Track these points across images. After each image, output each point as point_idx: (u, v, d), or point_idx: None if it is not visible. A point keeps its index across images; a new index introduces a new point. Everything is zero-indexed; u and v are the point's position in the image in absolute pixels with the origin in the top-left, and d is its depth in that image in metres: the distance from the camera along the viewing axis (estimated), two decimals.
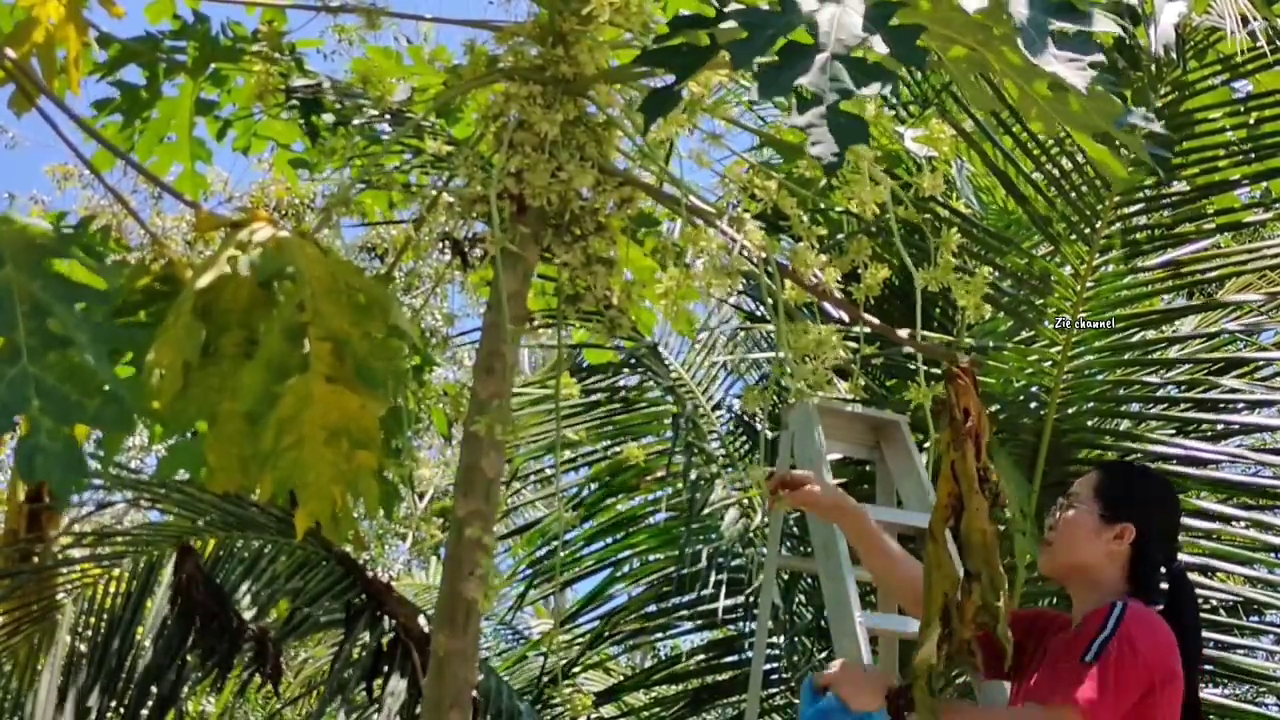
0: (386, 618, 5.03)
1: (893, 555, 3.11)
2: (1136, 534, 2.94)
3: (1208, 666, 5.08)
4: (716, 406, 6.06)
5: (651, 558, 6.02)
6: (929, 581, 2.67)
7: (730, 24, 2.09)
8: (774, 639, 5.44)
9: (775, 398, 4.39)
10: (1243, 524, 5.10)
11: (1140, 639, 2.78)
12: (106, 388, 1.83)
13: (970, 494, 2.61)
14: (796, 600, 5.77)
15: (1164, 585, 3.02)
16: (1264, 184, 5.08)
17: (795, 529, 5.27)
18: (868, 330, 2.71)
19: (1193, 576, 3.53)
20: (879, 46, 2.01)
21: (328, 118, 3.20)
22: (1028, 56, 2.02)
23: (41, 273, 1.92)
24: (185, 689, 4.99)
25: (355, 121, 3.18)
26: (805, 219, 2.68)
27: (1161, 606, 2.98)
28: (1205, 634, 4.53)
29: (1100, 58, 2.05)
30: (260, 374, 2.03)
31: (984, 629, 2.65)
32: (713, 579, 5.60)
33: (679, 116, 2.74)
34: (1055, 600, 4.65)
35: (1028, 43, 2.04)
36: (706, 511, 5.71)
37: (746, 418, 6.02)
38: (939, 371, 2.68)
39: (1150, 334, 5.36)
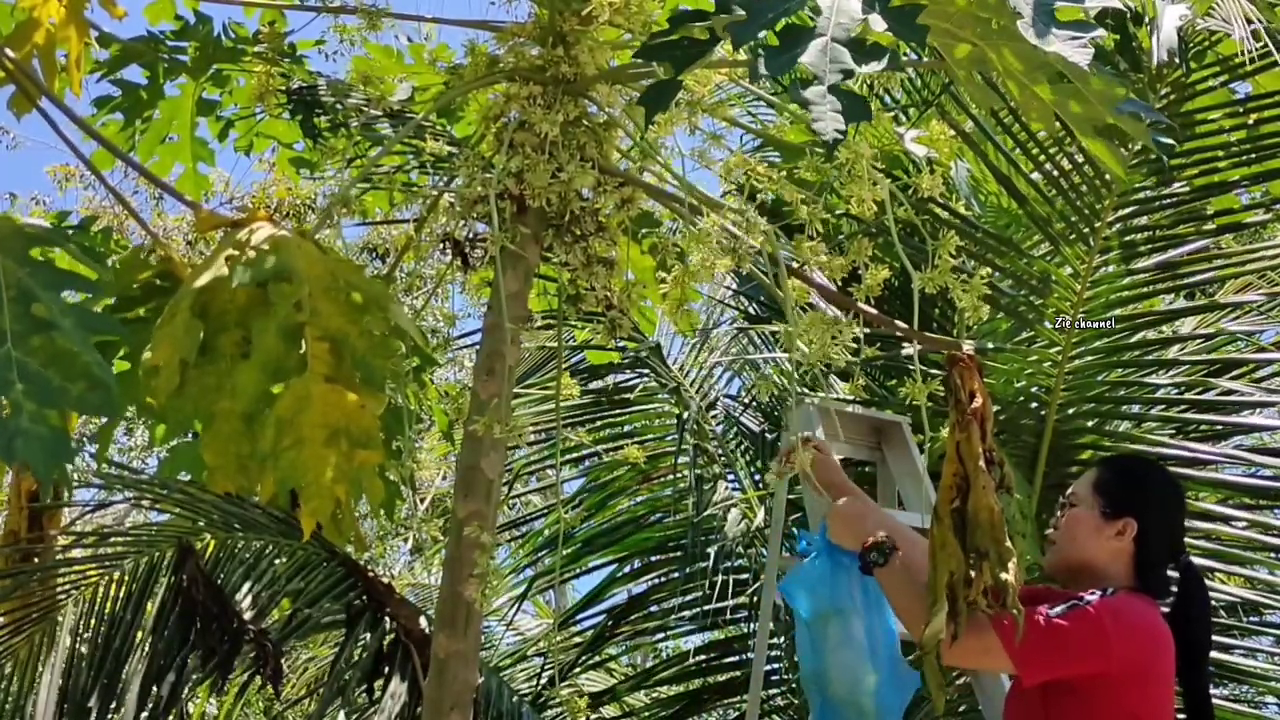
0: (387, 619, 5.03)
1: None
2: (1138, 529, 2.93)
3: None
4: (711, 406, 6.06)
5: (653, 558, 6.02)
6: (934, 561, 2.68)
7: (729, 14, 2.10)
8: (775, 639, 5.43)
9: (777, 395, 4.39)
10: (1242, 524, 5.10)
11: (1109, 619, 2.77)
12: (91, 373, 1.83)
13: (976, 473, 2.61)
14: None
15: (1173, 583, 3.02)
16: (1264, 185, 5.08)
17: (796, 530, 5.26)
18: (869, 330, 2.71)
19: None
20: (877, 25, 2.01)
21: (327, 119, 3.21)
22: (1027, 37, 2.02)
23: (28, 260, 1.93)
24: (186, 690, 4.99)
25: (355, 122, 3.19)
26: (807, 208, 2.67)
27: (1170, 603, 2.98)
28: None
29: (1101, 33, 2.05)
30: (256, 374, 2.03)
31: (991, 606, 2.65)
32: (717, 580, 5.60)
33: (679, 116, 2.74)
34: None
35: (1027, 23, 2.03)
36: (708, 512, 5.71)
37: (739, 416, 6.03)
38: (938, 372, 2.68)
39: (1150, 334, 5.37)
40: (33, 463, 1.76)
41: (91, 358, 1.84)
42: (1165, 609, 2.96)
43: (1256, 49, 4.56)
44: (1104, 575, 2.92)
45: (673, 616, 5.97)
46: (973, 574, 2.63)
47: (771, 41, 2.03)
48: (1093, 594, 2.83)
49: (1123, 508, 2.95)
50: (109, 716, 4.83)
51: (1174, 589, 3.03)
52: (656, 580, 6.03)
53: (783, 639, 5.43)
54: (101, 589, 5.04)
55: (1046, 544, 3.08)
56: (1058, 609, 2.79)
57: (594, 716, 6.26)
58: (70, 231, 2.04)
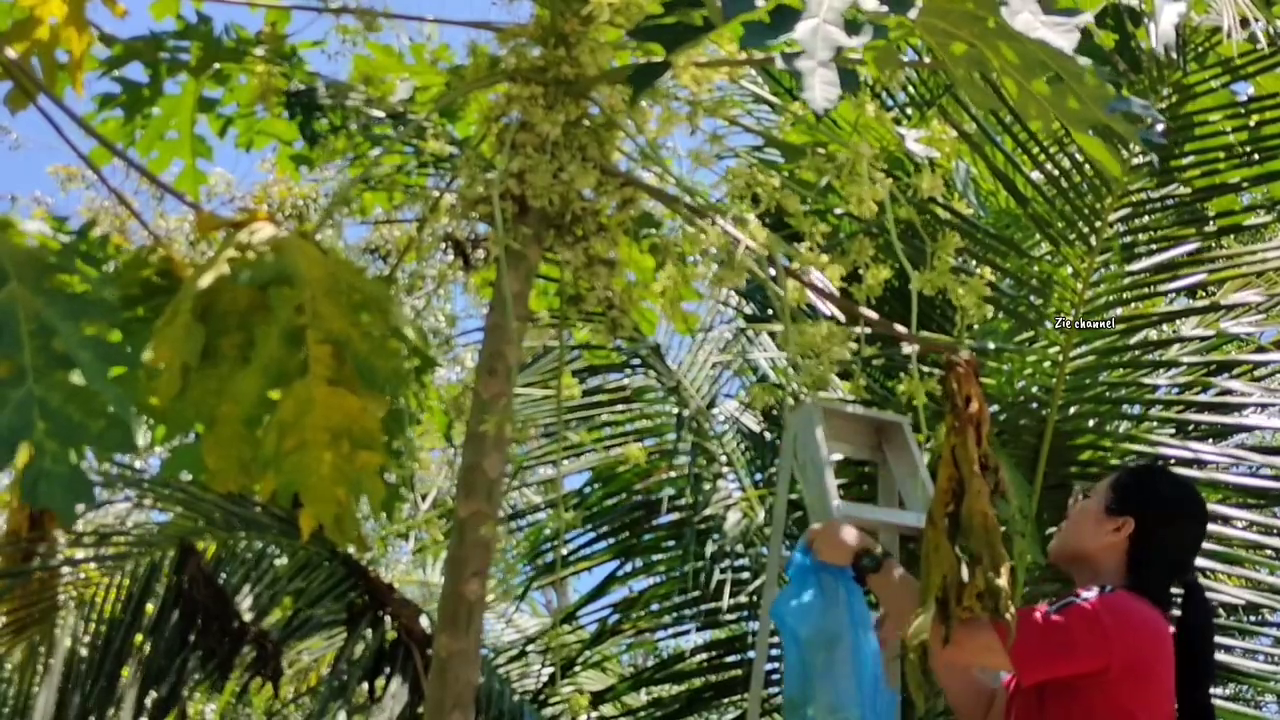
0: (388, 618, 5.04)
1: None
2: (1135, 529, 2.95)
3: None
4: (710, 405, 6.06)
5: (653, 557, 6.02)
6: (927, 565, 2.68)
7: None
8: (776, 638, 5.43)
9: (777, 399, 4.39)
10: (1242, 524, 5.10)
11: (1108, 616, 2.78)
12: (110, 410, 1.81)
13: (971, 477, 2.62)
14: None
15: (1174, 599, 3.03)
16: (1264, 186, 5.09)
17: (795, 529, 5.27)
18: (869, 330, 2.71)
19: None
20: (868, 4, 2.02)
21: (326, 122, 3.21)
22: (1009, 22, 2.02)
23: (45, 289, 1.89)
24: (186, 690, 4.99)
25: (354, 124, 3.19)
26: (808, 217, 2.68)
27: (1174, 620, 2.99)
28: None
29: (1089, 17, 2.05)
30: (257, 379, 2.02)
31: (985, 611, 2.65)
32: (715, 579, 5.60)
33: (681, 117, 2.74)
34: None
35: (1011, 9, 2.04)
36: (708, 511, 5.71)
37: (739, 416, 6.02)
38: (938, 371, 2.69)
39: (1150, 334, 5.37)
40: (55, 506, 1.73)
41: (110, 394, 1.81)
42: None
43: (1261, 50, 4.57)
44: (1098, 568, 2.96)
45: (673, 615, 5.98)
46: (965, 578, 2.64)
47: (762, 18, 2.04)
48: (1090, 591, 2.84)
49: (1125, 506, 2.98)
50: (109, 716, 4.83)
51: (1176, 603, 3.04)
52: (656, 579, 6.03)
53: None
54: (103, 589, 5.05)
55: (1057, 532, 3.13)
56: (1055, 606, 2.81)
57: (593, 715, 6.26)
58: (70, 238, 2.01)
